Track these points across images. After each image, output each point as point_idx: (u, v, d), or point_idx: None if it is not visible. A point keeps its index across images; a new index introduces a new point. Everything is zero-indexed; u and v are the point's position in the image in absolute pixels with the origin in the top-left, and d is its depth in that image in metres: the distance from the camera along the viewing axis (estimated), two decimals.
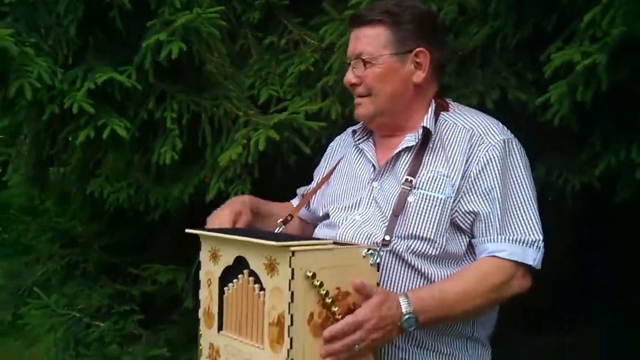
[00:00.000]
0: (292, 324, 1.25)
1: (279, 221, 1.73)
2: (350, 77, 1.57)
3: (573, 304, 2.35)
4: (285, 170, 2.10)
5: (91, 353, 2.67)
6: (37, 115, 1.89)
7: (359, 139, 1.68)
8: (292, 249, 1.25)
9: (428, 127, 1.53)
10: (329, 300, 1.28)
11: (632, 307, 2.17)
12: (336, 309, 1.29)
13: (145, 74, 1.93)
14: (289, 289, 1.25)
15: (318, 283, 1.27)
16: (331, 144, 1.85)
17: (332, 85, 2.03)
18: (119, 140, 1.87)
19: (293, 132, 1.97)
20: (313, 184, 1.83)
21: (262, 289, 1.32)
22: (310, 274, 1.26)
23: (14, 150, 2.97)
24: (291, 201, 1.88)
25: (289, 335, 1.25)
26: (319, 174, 1.82)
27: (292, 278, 1.24)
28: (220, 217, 1.61)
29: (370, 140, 1.67)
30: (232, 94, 2.06)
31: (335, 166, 1.72)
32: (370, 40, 1.53)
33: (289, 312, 1.25)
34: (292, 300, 1.25)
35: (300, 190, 1.88)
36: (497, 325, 1.63)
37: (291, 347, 1.25)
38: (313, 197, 1.76)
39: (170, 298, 3.11)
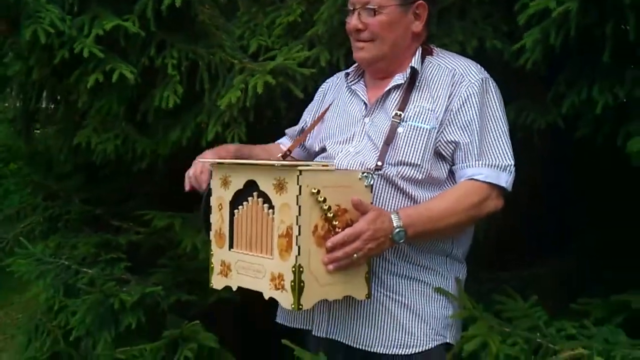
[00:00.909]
0: (299, 234, 1.39)
1: (278, 155, 1.86)
2: (356, 22, 1.66)
3: (536, 239, 2.53)
4: (276, 115, 2.21)
5: (90, 290, 2.74)
6: (47, 60, 1.94)
7: (351, 81, 1.80)
8: (300, 168, 1.39)
9: (415, 67, 1.66)
10: (330, 215, 1.43)
11: (588, 243, 2.33)
12: (337, 222, 1.44)
13: (147, 22, 1.99)
14: (297, 204, 1.39)
15: (322, 199, 1.41)
16: (322, 85, 1.96)
17: (320, 34, 2.11)
18: (125, 84, 1.94)
19: (287, 78, 2.06)
20: (302, 122, 1.95)
21: (270, 207, 1.46)
22: (315, 191, 1.40)
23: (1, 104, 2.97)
24: (279, 140, 2.00)
25: (297, 244, 1.40)
26: (311, 112, 1.93)
27: (300, 194, 1.39)
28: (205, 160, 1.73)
29: (361, 82, 1.79)
30: (225, 43, 2.14)
31: (329, 106, 1.84)
32: None
33: (297, 224, 1.39)
34: (299, 214, 1.39)
35: (288, 131, 2.00)
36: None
37: (299, 254, 1.40)
38: (309, 134, 1.88)
39: (155, 247, 3.20)
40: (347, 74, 1.82)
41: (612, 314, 1.84)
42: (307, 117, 1.95)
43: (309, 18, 2.22)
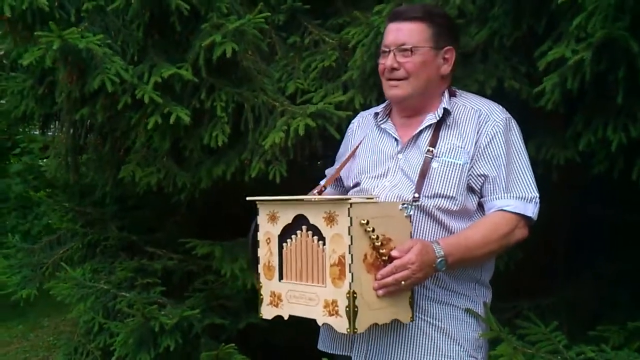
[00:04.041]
0: (352, 262, 1.48)
1: (315, 191, 1.96)
2: (391, 62, 1.76)
3: (553, 268, 2.57)
4: (313, 152, 2.33)
5: (131, 312, 2.83)
6: (110, 105, 2.09)
7: (380, 121, 1.90)
8: (350, 201, 1.47)
9: (448, 108, 1.78)
10: (378, 243, 1.52)
11: (604, 271, 2.39)
12: (383, 250, 1.53)
13: (199, 70, 2.14)
14: (349, 234, 1.47)
15: (371, 229, 1.50)
16: (350, 126, 2.05)
17: (354, 79, 2.23)
18: (177, 124, 2.08)
19: (325, 120, 2.18)
20: (337, 164, 2.04)
21: (319, 239, 1.54)
22: (364, 222, 1.49)
23: (50, 136, 3.13)
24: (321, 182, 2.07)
25: (350, 271, 1.48)
26: (344, 149, 2.02)
27: (351, 225, 1.47)
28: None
29: (389, 121, 1.89)
30: (267, 87, 2.28)
31: (359, 145, 1.93)
32: (415, 34, 1.75)
33: (349, 253, 1.47)
34: (351, 243, 1.47)
35: (328, 171, 2.08)
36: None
37: (352, 280, 1.48)
38: (341, 171, 1.96)
39: (188, 272, 3.31)
40: (376, 114, 1.92)
41: (629, 340, 1.92)
42: (343, 155, 2.03)
43: (342, 63, 2.36)
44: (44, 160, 6.28)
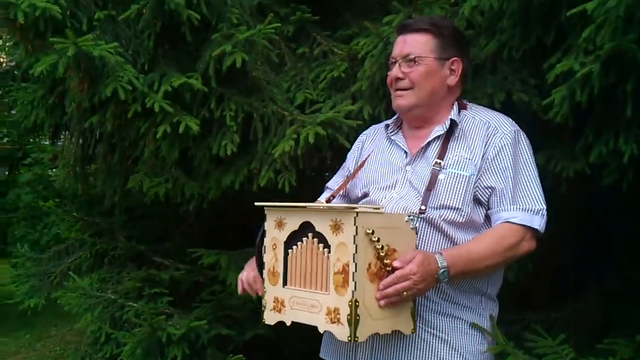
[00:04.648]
0: (356, 270, 1.47)
1: (323, 201, 1.96)
2: (396, 72, 1.79)
3: (561, 280, 2.56)
4: (322, 162, 2.33)
5: (139, 322, 2.83)
6: (120, 113, 2.10)
7: (391, 132, 1.90)
8: (356, 210, 1.47)
9: (455, 119, 1.78)
10: (383, 254, 1.51)
11: (612, 284, 2.38)
12: (388, 261, 1.52)
13: (209, 79, 2.15)
14: (354, 243, 1.47)
15: (376, 239, 1.49)
16: (359, 137, 2.05)
17: (364, 89, 2.24)
18: (186, 134, 2.09)
19: (335, 129, 2.19)
20: (346, 170, 2.03)
21: (325, 247, 1.53)
22: (370, 231, 1.49)
23: (60, 146, 3.15)
24: (320, 197, 2.05)
25: (353, 280, 1.47)
26: (351, 162, 2.01)
27: (356, 234, 1.47)
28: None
29: (400, 133, 1.89)
30: (276, 96, 2.29)
31: (368, 156, 1.92)
32: (419, 45, 1.77)
33: (353, 261, 1.47)
34: (356, 252, 1.47)
35: (329, 184, 2.07)
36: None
37: (355, 289, 1.47)
38: (351, 181, 1.96)
39: (195, 282, 3.31)
40: (387, 126, 1.93)
41: (638, 353, 1.89)
42: (350, 165, 2.03)
43: (351, 73, 2.37)
44: (54, 170, 6.33)
